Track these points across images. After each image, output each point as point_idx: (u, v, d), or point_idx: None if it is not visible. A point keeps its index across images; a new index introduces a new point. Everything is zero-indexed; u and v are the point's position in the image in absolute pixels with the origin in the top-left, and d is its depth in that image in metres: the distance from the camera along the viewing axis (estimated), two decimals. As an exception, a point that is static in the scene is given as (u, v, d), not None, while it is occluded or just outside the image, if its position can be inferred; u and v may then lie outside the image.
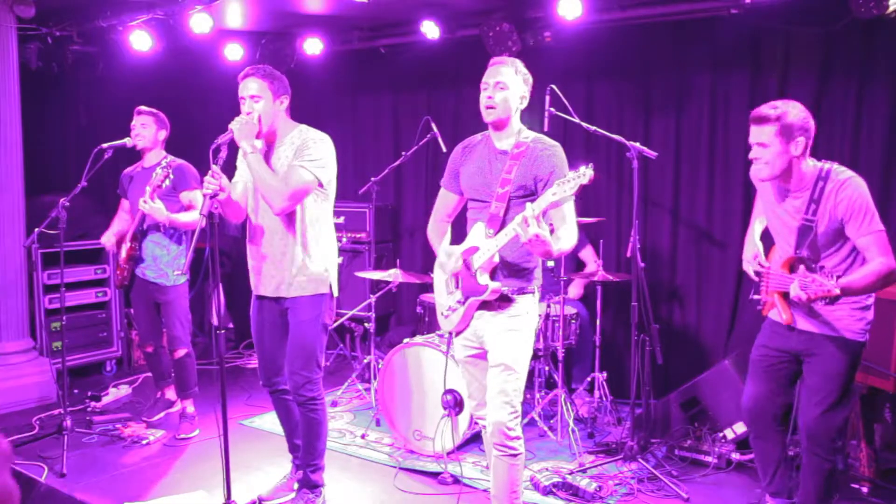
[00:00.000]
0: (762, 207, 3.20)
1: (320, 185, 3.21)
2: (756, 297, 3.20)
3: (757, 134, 2.84)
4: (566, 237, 2.75)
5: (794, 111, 2.81)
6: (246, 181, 3.35)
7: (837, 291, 2.60)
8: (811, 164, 2.88)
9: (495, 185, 2.85)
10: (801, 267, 2.91)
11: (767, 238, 3.19)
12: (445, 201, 3.12)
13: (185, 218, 4.16)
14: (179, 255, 4.35)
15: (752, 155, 2.88)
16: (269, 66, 3.30)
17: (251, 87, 3.17)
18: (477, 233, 2.89)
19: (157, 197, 4.01)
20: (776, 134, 2.79)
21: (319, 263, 3.28)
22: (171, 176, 4.03)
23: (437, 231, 3.15)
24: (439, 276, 3.10)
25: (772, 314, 3.15)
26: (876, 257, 2.75)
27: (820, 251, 2.89)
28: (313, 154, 3.16)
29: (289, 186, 3.10)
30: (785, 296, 2.99)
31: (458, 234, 3.10)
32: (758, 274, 3.14)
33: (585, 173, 2.54)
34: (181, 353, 4.46)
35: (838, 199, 2.79)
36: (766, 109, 2.82)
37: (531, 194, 2.81)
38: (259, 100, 3.17)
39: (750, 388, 3.21)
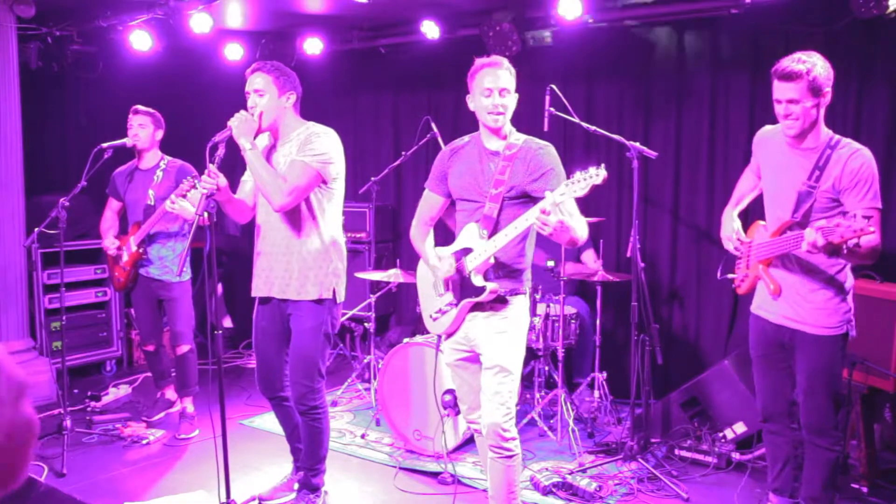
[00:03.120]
0: (752, 177, 3.20)
1: (325, 181, 3.14)
2: (731, 275, 3.20)
3: (785, 90, 2.76)
4: (580, 227, 2.74)
5: (821, 64, 2.76)
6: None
7: (872, 230, 2.49)
8: (824, 130, 2.86)
9: (488, 185, 2.83)
10: (789, 232, 2.91)
11: (745, 217, 3.22)
12: (430, 203, 3.07)
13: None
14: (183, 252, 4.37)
15: (782, 111, 2.80)
16: (278, 62, 3.26)
17: (256, 82, 3.14)
18: (470, 234, 2.87)
19: (180, 196, 4.00)
20: (806, 89, 2.73)
21: (325, 265, 3.20)
22: (198, 187, 4.06)
23: (421, 233, 3.10)
24: (424, 279, 3.08)
25: (753, 308, 3.16)
26: None
27: (812, 217, 2.87)
28: (316, 148, 3.09)
29: (288, 182, 3.03)
30: (768, 265, 3.00)
31: (438, 236, 3.10)
32: (737, 251, 3.15)
33: (598, 174, 2.49)
34: (184, 349, 4.46)
35: (846, 167, 2.76)
36: (794, 65, 2.74)
37: (524, 195, 2.79)
38: (263, 94, 3.13)
39: (759, 388, 3.22)
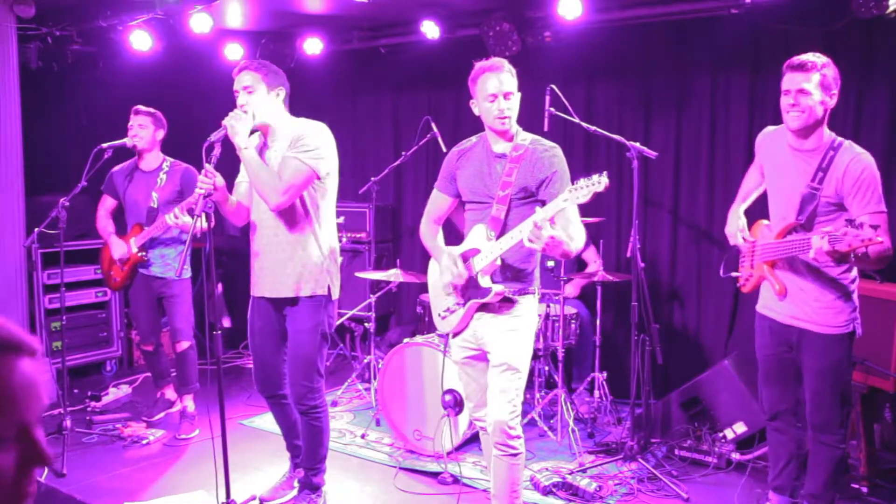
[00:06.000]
0: (757, 175, 3.19)
1: (318, 177, 3.12)
2: (734, 274, 3.20)
3: (798, 80, 2.77)
4: (578, 236, 2.73)
5: (833, 66, 2.79)
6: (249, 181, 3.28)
7: (880, 240, 2.49)
8: (827, 131, 2.86)
9: (495, 187, 2.85)
10: (794, 234, 2.91)
11: (750, 215, 3.21)
12: (438, 203, 3.10)
13: (204, 223, 4.12)
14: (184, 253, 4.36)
15: (789, 102, 2.80)
16: (265, 60, 3.26)
17: (245, 80, 3.13)
18: (477, 235, 2.88)
19: (185, 210, 3.96)
20: (818, 83, 2.76)
21: (319, 262, 3.20)
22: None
23: (430, 231, 3.13)
24: (434, 277, 3.09)
25: (759, 307, 3.15)
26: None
27: (816, 220, 2.87)
28: (308, 144, 3.07)
29: (283, 180, 3.03)
30: (773, 265, 3.00)
31: (447, 234, 3.11)
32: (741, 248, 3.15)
33: (600, 181, 2.49)
34: (184, 345, 4.46)
35: (847, 172, 2.76)
36: (809, 57, 2.77)
37: (532, 196, 2.81)
38: (253, 91, 3.12)
39: (765, 391, 3.22)
